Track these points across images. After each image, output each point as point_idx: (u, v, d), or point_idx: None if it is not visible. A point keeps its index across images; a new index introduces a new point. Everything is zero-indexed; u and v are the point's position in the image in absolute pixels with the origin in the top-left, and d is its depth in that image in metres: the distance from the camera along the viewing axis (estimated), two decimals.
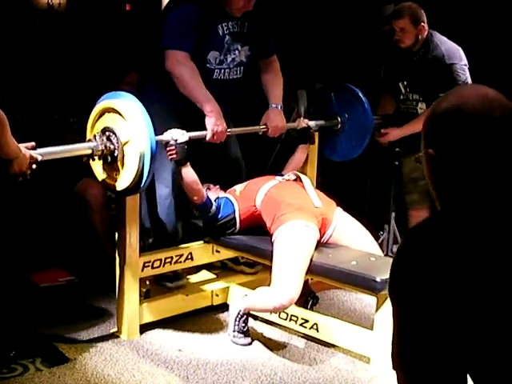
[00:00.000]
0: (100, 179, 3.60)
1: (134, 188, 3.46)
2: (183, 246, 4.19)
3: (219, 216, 3.98)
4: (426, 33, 4.58)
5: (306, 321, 3.78)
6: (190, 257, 4.11)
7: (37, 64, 4.71)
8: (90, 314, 4.09)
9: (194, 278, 4.39)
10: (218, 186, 4.23)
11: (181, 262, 4.09)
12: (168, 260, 4.02)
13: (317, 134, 4.71)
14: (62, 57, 5.23)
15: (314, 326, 3.75)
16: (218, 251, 4.21)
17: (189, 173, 3.81)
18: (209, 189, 4.16)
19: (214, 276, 4.43)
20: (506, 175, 1.45)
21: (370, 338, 3.56)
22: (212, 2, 3.95)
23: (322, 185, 4.80)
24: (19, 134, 2.96)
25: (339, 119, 4.73)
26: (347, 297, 4.52)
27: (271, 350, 3.76)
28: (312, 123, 4.52)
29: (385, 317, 3.47)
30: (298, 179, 4.11)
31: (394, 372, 1.48)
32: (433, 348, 1.39)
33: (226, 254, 4.25)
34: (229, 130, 4.01)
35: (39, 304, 4.11)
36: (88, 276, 4.49)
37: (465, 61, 4.59)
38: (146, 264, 3.89)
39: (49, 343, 3.65)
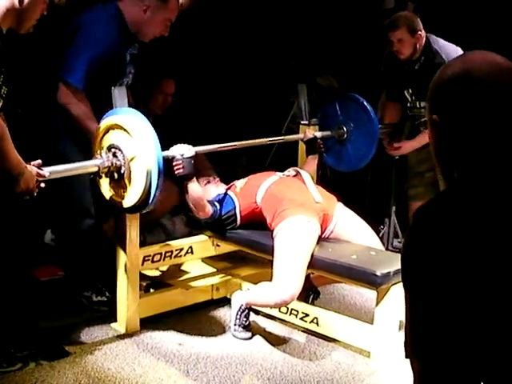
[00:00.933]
0: (107, 197, 3.57)
1: (141, 205, 3.43)
2: (183, 239, 4.19)
3: (220, 214, 3.97)
4: (423, 40, 4.55)
5: (307, 315, 3.78)
6: (190, 251, 4.12)
7: (38, 58, 4.68)
8: (90, 307, 4.09)
9: (194, 272, 4.39)
10: (218, 179, 4.23)
11: (181, 256, 4.09)
12: (168, 254, 4.02)
13: (317, 127, 4.71)
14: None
15: (315, 320, 3.75)
16: (218, 245, 4.21)
17: (195, 188, 3.78)
18: (209, 182, 4.16)
19: (215, 270, 4.43)
20: None
21: (370, 333, 3.56)
22: (123, 27, 3.88)
23: (321, 179, 4.80)
24: (19, 129, 2.96)
25: (345, 129, 4.72)
26: (348, 291, 4.52)
27: (272, 344, 3.76)
28: (318, 134, 4.50)
29: (385, 311, 3.48)
30: (297, 175, 4.10)
31: (408, 360, 1.44)
32: (448, 333, 1.36)
33: (226, 247, 4.25)
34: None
35: (40, 298, 4.10)
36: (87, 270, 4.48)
37: None
38: (146, 258, 3.89)
39: (49, 337, 3.65)
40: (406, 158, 5.04)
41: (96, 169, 3.35)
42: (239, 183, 4.10)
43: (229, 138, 4.18)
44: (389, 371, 3.44)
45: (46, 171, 3.04)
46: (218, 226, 4.01)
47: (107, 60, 3.77)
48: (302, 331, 3.89)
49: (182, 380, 3.34)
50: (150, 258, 3.92)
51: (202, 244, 4.19)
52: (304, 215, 3.72)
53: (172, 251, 4.05)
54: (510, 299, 1.33)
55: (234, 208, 3.97)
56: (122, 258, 3.74)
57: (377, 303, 3.52)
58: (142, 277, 3.97)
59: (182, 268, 4.41)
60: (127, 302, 3.76)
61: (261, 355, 3.62)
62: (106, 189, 3.55)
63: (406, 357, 1.44)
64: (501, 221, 1.36)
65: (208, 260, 4.46)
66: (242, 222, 3.99)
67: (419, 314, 1.41)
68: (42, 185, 3.02)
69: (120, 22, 3.86)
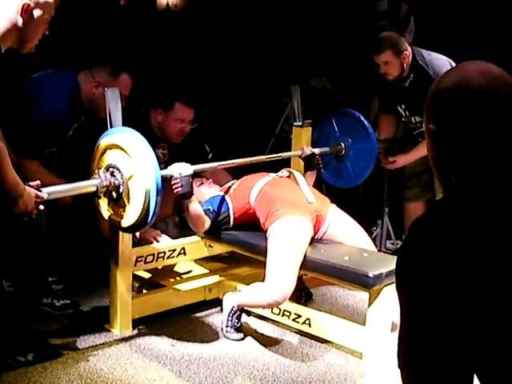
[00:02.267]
0: (106, 217, 3.56)
1: (140, 224, 3.41)
2: (176, 240, 4.19)
3: (214, 217, 3.97)
4: (410, 58, 4.53)
5: (299, 316, 3.79)
6: (182, 252, 4.11)
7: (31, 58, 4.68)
8: (83, 308, 4.09)
9: (186, 273, 4.40)
10: (211, 180, 4.24)
11: (174, 256, 4.09)
12: (161, 255, 4.02)
13: (310, 128, 4.71)
14: (57, 50, 5.20)
15: (307, 322, 3.76)
16: (211, 246, 4.21)
17: (195, 207, 3.78)
18: (202, 183, 4.16)
19: (207, 271, 4.43)
20: (509, 153, 1.43)
21: (362, 334, 3.57)
22: (78, 105, 3.93)
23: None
24: None
25: (343, 145, 4.70)
26: (340, 292, 4.53)
27: (264, 345, 3.76)
28: (316, 150, 4.48)
29: (377, 312, 3.49)
30: (291, 175, 4.11)
31: (399, 371, 1.42)
32: (441, 345, 1.35)
33: (219, 248, 4.25)
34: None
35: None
36: (81, 270, 4.49)
37: None
38: (139, 259, 3.89)
39: (41, 338, 3.65)
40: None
41: (94, 188, 3.33)
42: (233, 185, 4.10)
43: (223, 138, 4.18)
44: (380, 372, 3.45)
45: (45, 192, 3.04)
46: (211, 227, 4.01)
47: (53, 132, 3.87)
48: (295, 332, 3.90)
49: (175, 381, 3.34)
50: (143, 258, 3.92)
51: (195, 245, 4.19)
52: (297, 215, 3.73)
53: (165, 252, 4.04)
54: (504, 311, 1.32)
55: (228, 209, 3.98)
56: (115, 258, 3.74)
57: (369, 304, 3.53)
58: (135, 278, 3.97)
59: (175, 269, 4.42)
60: (120, 302, 3.77)
61: (253, 356, 3.63)
62: (104, 209, 3.54)
63: (399, 367, 1.44)
64: (497, 231, 1.35)
65: (201, 261, 4.47)
66: (236, 223, 4.00)
67: (412, 325, 1.40)
68: (41, 207, 3.02)
69: (76, 100, 3.92)
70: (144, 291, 4.15)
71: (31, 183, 2.99)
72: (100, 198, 3.44)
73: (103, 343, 3.68)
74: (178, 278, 4.31)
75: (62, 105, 3.81)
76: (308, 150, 4.40)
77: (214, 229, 4.01)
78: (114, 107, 3.56)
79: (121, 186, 3.34)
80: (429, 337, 1.38)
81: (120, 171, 3.33)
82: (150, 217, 3.34)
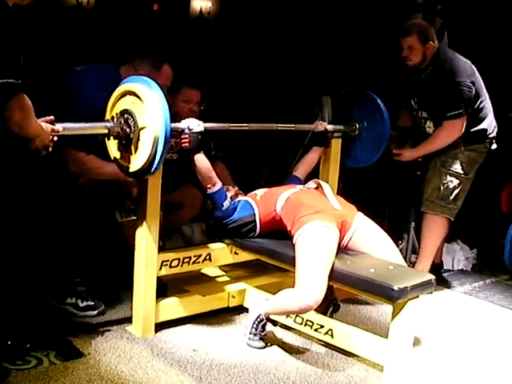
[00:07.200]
0: (112, 158, 3.67)
1: (144, 171, 3.50)
2: (202, 246, 4.20)
3: (235, 217, 3.99)
4: (433, 50, 4.57)
5: (322, 326, 3.78)
6: (208, 258, 4.12)
7: (66, 61, 4.73)
8: (106, 309, 4.11)
9: (211, 279, 4.40)
10: (236, 188, 4.26)
11: (199, 262, 4.09)
12: (186, 260, 4.02)
13: (340, 140, 4.71)
14: (91, 53, 5.25)
15: (329, 332, 3.75)
16: (236, 253, 4.21)
17: (201, 160, 3.91)
18: (228, 190, 4.17)
19: (232, 278, 4.44)
20: None
21: (384, 347, 3.55)
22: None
23: (342, 191, 4.81)
24: None
25: (357, 125, 4.75)
26: (363, 304, 4.51)
27: (285, 354, 3.76)
28: (330, 127, 4.53)
29: (400, 326, 3.47)
30: (318, 187, 4.11)
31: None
32: None
33: (244, 256, 4.25)
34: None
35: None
36: (105, 272, 4.51)
37: (473, 77, 4.57)
38: (164, 263, 3.90)
39: (64, 337, 3.67)
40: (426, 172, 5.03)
41: (106, 131, 3.47)
42: (259, 192, 4.13)
43: (254, 146, 4.19)
44: None
45: (60, 126, 3.14)
46: (238, 233, 4.02)
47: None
48: (316, 342, 3.89)
49: None
50: (168, 263, 3.93)
51: (221, 251, 4.19)
52: (322, 220, 3.72)
53: (190, 257, 4.05)
54: None
55: (254, 215, 3.99)
56: (141, 261, 3.76)
57: (392, 318, 3.51)
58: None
59: (200, 274, 4.42)
60: (143, 305, 3.78)
61: (274, 364, 3.62)
62: (113, 150, 3.64)
63: None
64: None
65: (225, 267, 4.48)
66: (262, 231, 4.01)
67: None
68: (55, 138, 3.11)
69: None
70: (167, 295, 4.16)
71: (45, 118, 3.07)
72: (110, 139, 3.56)
73: (125, 345, 3.69)
74: (202, 284, 4.32)
75: (102, 98, 3.83)
76: (321, 126, 4.50)
77: (240, 236, 4.03)
78: None
79: (131, 134, 3.44)
80: None
81: (134, 119, 3.43)
82: (154, 167, 3.44)
